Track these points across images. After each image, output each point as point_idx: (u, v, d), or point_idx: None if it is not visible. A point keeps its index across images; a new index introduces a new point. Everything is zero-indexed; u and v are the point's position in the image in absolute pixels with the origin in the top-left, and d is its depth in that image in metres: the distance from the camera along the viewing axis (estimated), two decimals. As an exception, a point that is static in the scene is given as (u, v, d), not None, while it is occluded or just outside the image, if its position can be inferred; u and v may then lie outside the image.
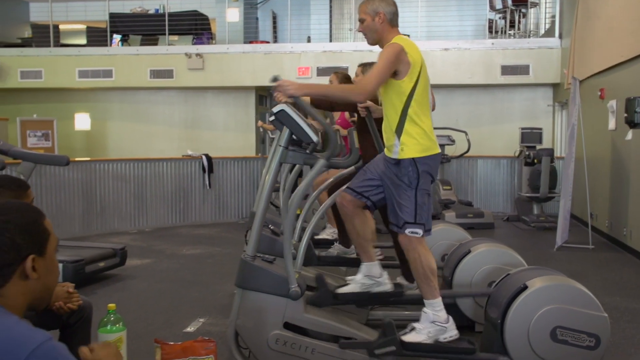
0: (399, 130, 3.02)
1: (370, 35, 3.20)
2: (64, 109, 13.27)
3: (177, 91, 13.22)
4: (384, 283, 3.40)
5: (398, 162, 3.06)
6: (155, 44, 13.10)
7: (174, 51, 12.37)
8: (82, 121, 13.35)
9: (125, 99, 13.50)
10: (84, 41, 13.44)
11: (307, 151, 3.04)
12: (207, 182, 9.37)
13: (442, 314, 3.16)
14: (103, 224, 8.46)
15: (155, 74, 12.37)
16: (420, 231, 3.07)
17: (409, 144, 3.00)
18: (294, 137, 3.06)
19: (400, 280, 3.95)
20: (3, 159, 5.37)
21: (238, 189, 9.74)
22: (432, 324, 3.13)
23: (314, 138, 3.02)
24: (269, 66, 12.03)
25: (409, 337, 3.14)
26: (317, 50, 12.11)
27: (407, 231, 3.07)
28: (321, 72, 11.82)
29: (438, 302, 3.16)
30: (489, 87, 12.12)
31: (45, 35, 12.89)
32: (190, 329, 4.15)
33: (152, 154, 12.15)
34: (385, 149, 3.19)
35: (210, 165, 9.38)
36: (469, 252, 4.10)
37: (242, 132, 13.21)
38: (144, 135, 13.48)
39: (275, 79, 2.96)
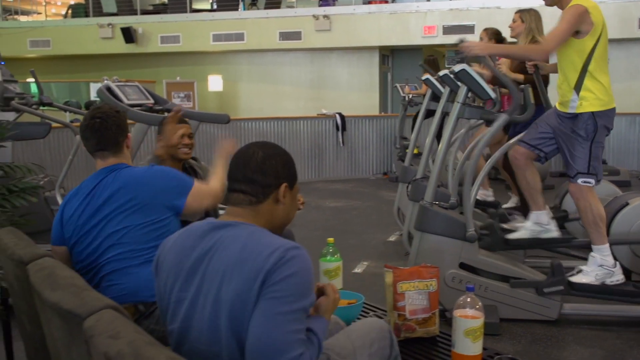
0: (578, 86, 3.24)
1: None
2: (198, 72, 14.11)
3: (303, 52, 13.69)
4: (552, 230, 3.66)
5: (575, 116, 3.28)
6: (278, 7, 13.58)
7: (302, 13, 12.79)
8: (215, 83, 14.15)
9: (254, 61, 14.15)
10: (214, 6, 14.16)
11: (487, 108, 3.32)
12: (340, 140, 9.79)
13: (610, 259, 3.38)
14: (247, 178, 9.10)
15: (284, 36, 12.88)
16: (593, 181, 3.30)
17: (589, 98, 3.22)
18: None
19: None
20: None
21: (369, 147, 10.10)
22: (600, 267, 3.37)
23: (492, 95, 3.29)
24: (394, 26, 12.21)
25: (577, 278, 3.40)
26: (443, 8, 12.12)
27: (579, 181, 3.31)
28: (447, 30, 11.86)
29: (606, 247, 3.38)
30: (623, 42, 11.69)
31: (179, 2, 13.68)
32: (358, 270, 4.60)
33: (279, 113, 12.73)
34: (559, 104, 3.41)
35: (343, 123, 9.78)
36: (627, 204, 4.23)
37: (365, 92, 13.54)
38: (271, 95, 14.11)
39: (461, 41, 3.22)
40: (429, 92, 5.41)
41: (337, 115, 9.78)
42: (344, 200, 7.86)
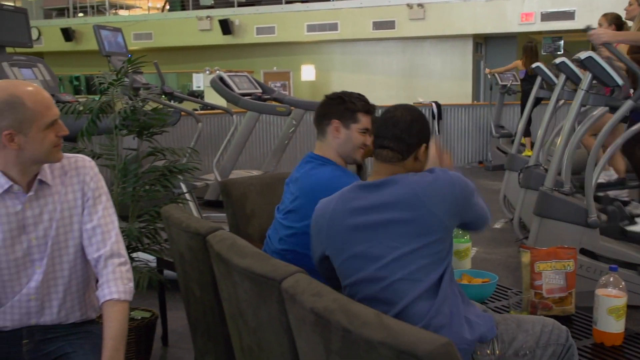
0: None
1: None
2: (292, 62, 14.42)
3: (395, 41, 13.72)
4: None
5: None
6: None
7: (396, 2, 12.81)
8: (308, 72, 14.43)
9: (347, 51, 14.31)
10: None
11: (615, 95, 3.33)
12: (436, 128, 9.82)
13: None
14: (345, 165, 9.30)
15: (378, 25, 12.96)
16: None
17: None
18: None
19: None
20: (289, 106, 6.20)
21: (465, 135, 10.08)
22: None
23: (620, 81, 3.30)
24: (490, 13, 12.05)
25: None
26: (542, -7, 11.86)
27: None
28: (546, 17, 11.59)
29: None
30: None
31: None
32: (468, 255, 4.68)
33: (371, 102, 12.82)
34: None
35: (439, 112, 9.81)
36: None
37: (457, 80, 13.43)
38: (363, 85, 14.21)
39: (588, 28, 3.25)
40: (539, 80, 5.40)
41: (433, 104, 9.82)
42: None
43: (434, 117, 9.80)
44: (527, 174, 4.40)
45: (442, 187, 1.80)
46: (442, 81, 13.52)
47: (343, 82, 14.41)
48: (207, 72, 10.59)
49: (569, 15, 11.19)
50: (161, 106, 3.19)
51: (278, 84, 12.42)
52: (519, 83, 9.24)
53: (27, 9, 4.76)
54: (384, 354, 1.24)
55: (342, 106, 2.40)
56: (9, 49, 4.41)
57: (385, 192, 1.80)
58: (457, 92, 13.17)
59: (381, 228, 1.76)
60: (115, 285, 1.73)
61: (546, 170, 4.57)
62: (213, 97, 7.50)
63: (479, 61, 13.87)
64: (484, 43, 14.00)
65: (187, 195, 4.05)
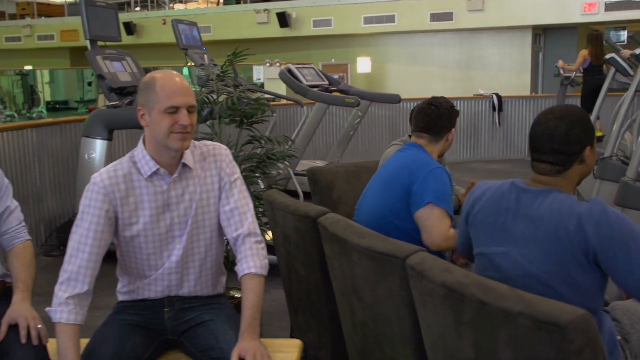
0: None
1: None
2: (348, 54, 14.50)
3: (452, 33, 13.66)
4: None
5: None
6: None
7: (454, -6, 12.77)
8: (364, 64, 14.48)
9: (404, 43, 14.32)
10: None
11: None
12: (496, 120, 9.78)
13: None
14: (405, 157, 9.36)
15: (435, 17, 12.92)
16: None
17: None
18: None
19: None
20: (357, 97, 6.29)
21: (526, 127, 9.99)
22: None
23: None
24: (551, 3, 11.87)
25: None
26: (605, -17, 11.63)
27: None
28: (610, 7, 11.35)
29: None
30: None
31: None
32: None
33: (426, 94, 12.72)
34: None
35: (500, 103, 9.76)
36: None
37: (516, 72, 13.29)
38: (419, 77, 14.22)
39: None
40: (612, 71, 5.37)
41: (494, 96, 9.77)
42: (502, 179, 7.89)
43: (494, 109, 9.75)
44: (603, 165, 4.41)
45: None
46: (500, 73, 13.40)
47: (399, 74, 14.45)
48: (267, 64, 10.77)
49: (635, 5, 10.95)
50: (261, 95, 3.33)
51: (336, 76, 12.52)
52: (581, 74, 9.12)
53: (116, 4, 4.99)
54: (523, 324, 1.34)
55: (455, 116, 2.75)
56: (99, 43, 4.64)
57: (537, 203, 1.76)
58: (516, 83, 13.04)
59: (520, 240, 1.74)
60: (253, 260, 1.88)
61: (622, 161, 4.58)
62: (273, 89, 7.65)
63: (537, 53, 13.69)
64: (542, 34, 13.81)
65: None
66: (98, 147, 4.35)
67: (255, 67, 12.02)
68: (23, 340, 1.78)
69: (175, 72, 1.86)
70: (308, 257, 2.44)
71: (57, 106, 16.95)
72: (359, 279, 2.01)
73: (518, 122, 9.99)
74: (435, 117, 2.66)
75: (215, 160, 1.95)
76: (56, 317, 1.75)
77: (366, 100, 7.03)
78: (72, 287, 1.77)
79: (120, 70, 4.47)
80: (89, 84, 17.12)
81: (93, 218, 1.82)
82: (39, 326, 1.83)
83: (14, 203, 2.10)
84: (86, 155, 4.37)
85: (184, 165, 1.90)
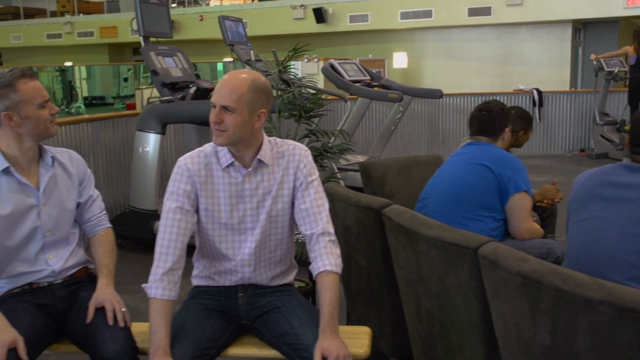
0: None
1: None
2: (384, 49, 14.49)
3: (490, 28, 13.55)
4: None
5: None
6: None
7: (493, -12, 12.66)
8: (400, 60, 14.45)
9: (440, 38, 14.25)
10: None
11: None
12: (536, 115, 9.70)
13: None
14: (444, 152, 9.36)
15: (473, 11, 12.83)
16: None
17: None
18: None
19: None
20: (400, 92, 6.32)
21: (567, 123, 9.90)
22: None
23: None
24: (593, -4, 11.71)
25: None
26: (649, -24, 11.41)
27: None
28: (654, 0, 11.16)
29: None
30: None
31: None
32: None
33: (463, 89, 12.71)
34: None
35: (540, 99, 9.68)
36: None
37: (555, 67, 13.13)
38: (456, 72, 14.14)
39: None
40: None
41: (535, 91, 9.70)
42: (546, 175, 7.85)
43: (534, 104, 9.68)
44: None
45: None
46: (539, 68, 13.25)
47: (435, 69, 14.39)
48: (306, 60, 10.83)
49: (680, -2, 10.75)
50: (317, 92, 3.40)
51: (373, 71, 12.54)
52: (626, 69, 8.99)
53: (167, 1, 5.10)
54: (604, 312, 1.38)
55: (507, 117, 2.97)
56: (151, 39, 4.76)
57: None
58: (555, 79, 12.88)
59: (620, 204, 1.89)
60: (327, 259, 1.94)
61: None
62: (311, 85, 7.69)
63: (577, 47, 13.51)
64: (582, 29, 13.61)
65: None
66: (152, 140, 4.46)
67: (292, 63, 12.09)
68: (110, 322, 1.88)
69: (232, 73, 1.92)
70: (369, 247, 2.49)
71: (94, 102, 17.28)
72: (425, 269, 2.06)
73: (558, 118, 9.89)
74: (487, 120, 2.85)
75: (293, 159, 2.02)
76: (151, 292, 1.85)
77: (408, 95, 7.04)
78: (163, 260, 1.87)
79: (172, 66, 4.58)
80: (125, 79, 17.40)
81: (178, 197, 1.92)
82: (123, 309, 1.93)
83: (96, 192, 2.20)
84: (140, 149, 4.48)
85: (260, 161, 1.97)
